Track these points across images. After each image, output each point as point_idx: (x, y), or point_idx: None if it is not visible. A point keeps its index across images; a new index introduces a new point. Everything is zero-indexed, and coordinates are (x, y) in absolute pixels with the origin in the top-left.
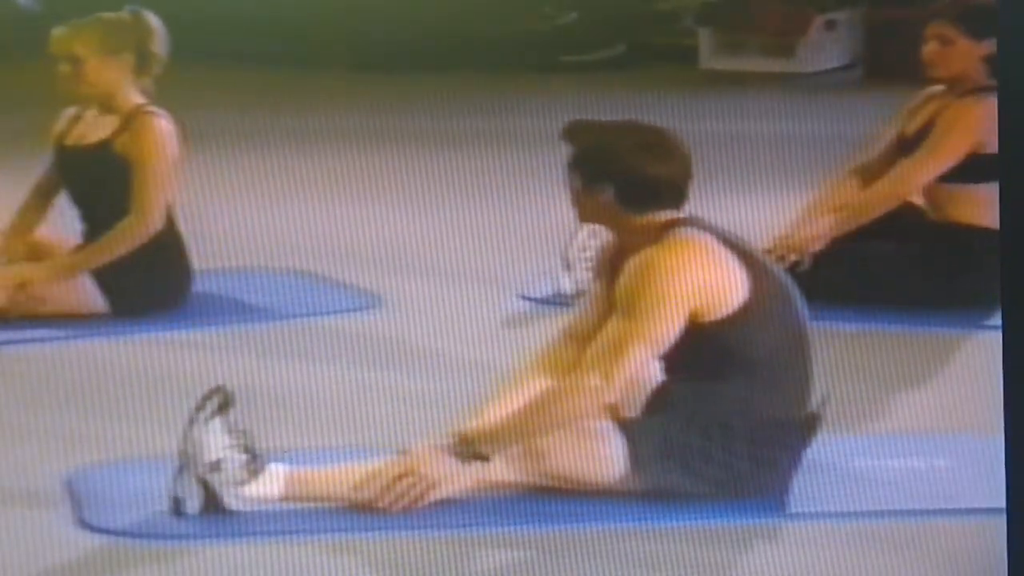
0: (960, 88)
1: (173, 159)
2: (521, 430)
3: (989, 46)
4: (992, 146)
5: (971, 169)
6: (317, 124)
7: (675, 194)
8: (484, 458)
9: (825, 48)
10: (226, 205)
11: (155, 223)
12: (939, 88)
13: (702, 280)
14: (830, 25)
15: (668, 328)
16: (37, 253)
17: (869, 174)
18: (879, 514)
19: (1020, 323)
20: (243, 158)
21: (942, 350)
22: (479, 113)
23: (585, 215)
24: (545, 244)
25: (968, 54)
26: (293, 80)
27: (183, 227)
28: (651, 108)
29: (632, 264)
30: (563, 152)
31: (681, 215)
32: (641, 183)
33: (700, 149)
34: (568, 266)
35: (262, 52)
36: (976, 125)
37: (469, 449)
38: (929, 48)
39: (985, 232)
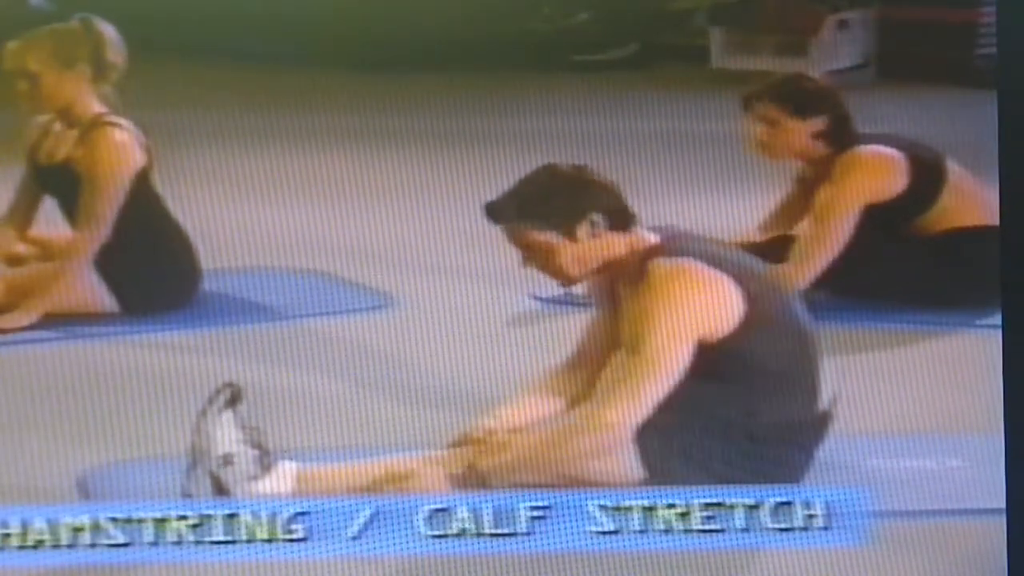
0: (819, 165)
1: (130, 170)
2: (536, 465)
3: (816, 124)
4: (887, 191)
5: (909, 206)
6: (328, 123)
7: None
8: (490, 487)
9: (837, 48)
10: (236, 204)
11: (99, 237)
12: (800, 166)
13: (700, 306)
14: (843, 25)
15: (678, 362)
16: (50, 252)
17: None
18: (884, 515)
19: (1020, 323)
20: (253, 157)
21: (942, 349)
22: (490, 113)
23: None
24: None
25: (797, 134)
26: (303, 79)
27: (192, 226)
28: (662, 107)
29: (633, 307)
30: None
31: (655, 239)
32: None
33: (712, 148)
34: None
35: (269, 51)
36: (855, 192)
37: (479, 481)
38: (758, 131)
39: (984, 230)
